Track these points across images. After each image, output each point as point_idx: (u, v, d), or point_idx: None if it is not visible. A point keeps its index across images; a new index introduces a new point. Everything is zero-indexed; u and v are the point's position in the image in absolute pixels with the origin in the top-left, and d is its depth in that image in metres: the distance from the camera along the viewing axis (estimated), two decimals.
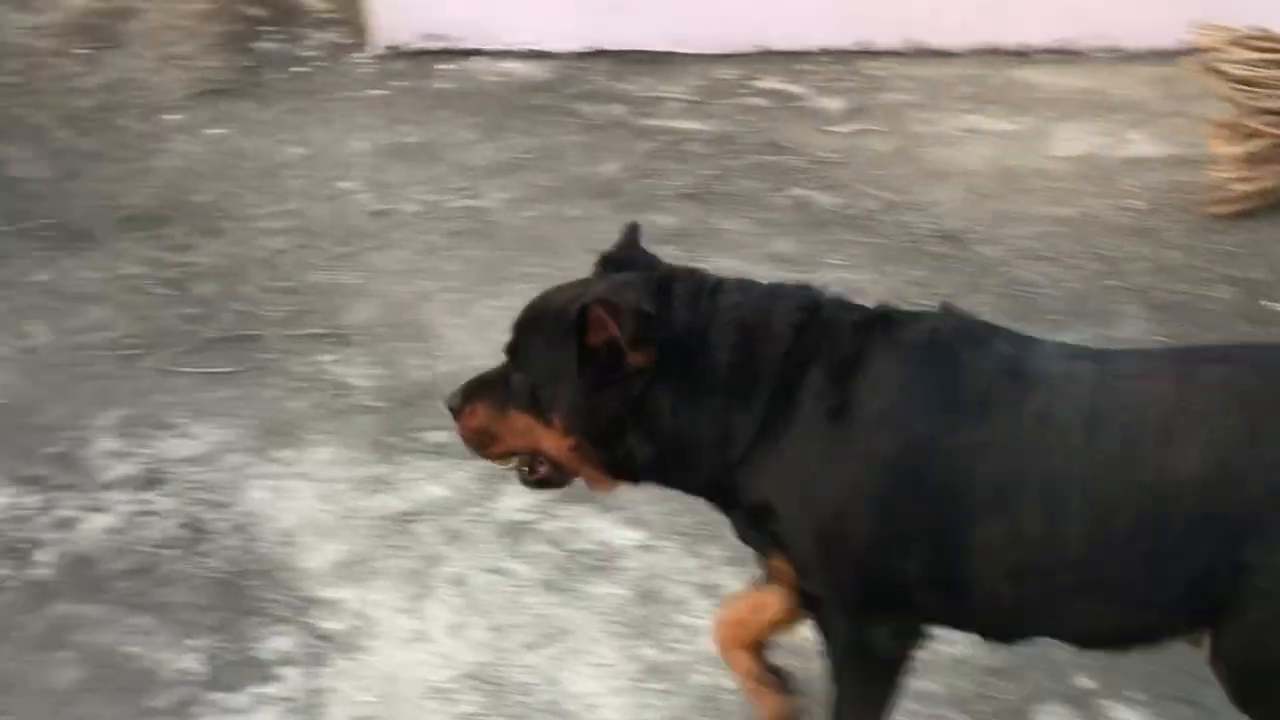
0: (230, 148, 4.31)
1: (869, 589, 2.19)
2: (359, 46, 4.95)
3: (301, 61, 4.87)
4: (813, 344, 2.15)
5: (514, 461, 2.30)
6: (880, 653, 2.24)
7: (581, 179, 4.16)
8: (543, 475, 2.30)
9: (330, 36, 5.03)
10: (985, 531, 2.07)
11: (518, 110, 4.58)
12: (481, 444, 2.30)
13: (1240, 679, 2.08)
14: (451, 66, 4.85)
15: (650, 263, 2.29)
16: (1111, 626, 2.15)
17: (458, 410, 2.30)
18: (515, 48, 4.92)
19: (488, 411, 2.27)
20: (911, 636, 2.23)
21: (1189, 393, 2.05)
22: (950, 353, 2.13)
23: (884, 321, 2.17)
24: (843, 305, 2.22)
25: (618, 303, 2.11)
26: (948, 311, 2.22)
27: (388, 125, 4.46)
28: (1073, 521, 2.05)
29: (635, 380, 2.14)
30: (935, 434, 2.08)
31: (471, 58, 4.89)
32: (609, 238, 2.26)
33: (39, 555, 2.80)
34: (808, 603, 2.25)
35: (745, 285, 2.24)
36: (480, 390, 2.29)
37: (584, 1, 4.89)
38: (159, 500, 2.93)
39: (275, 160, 4.24)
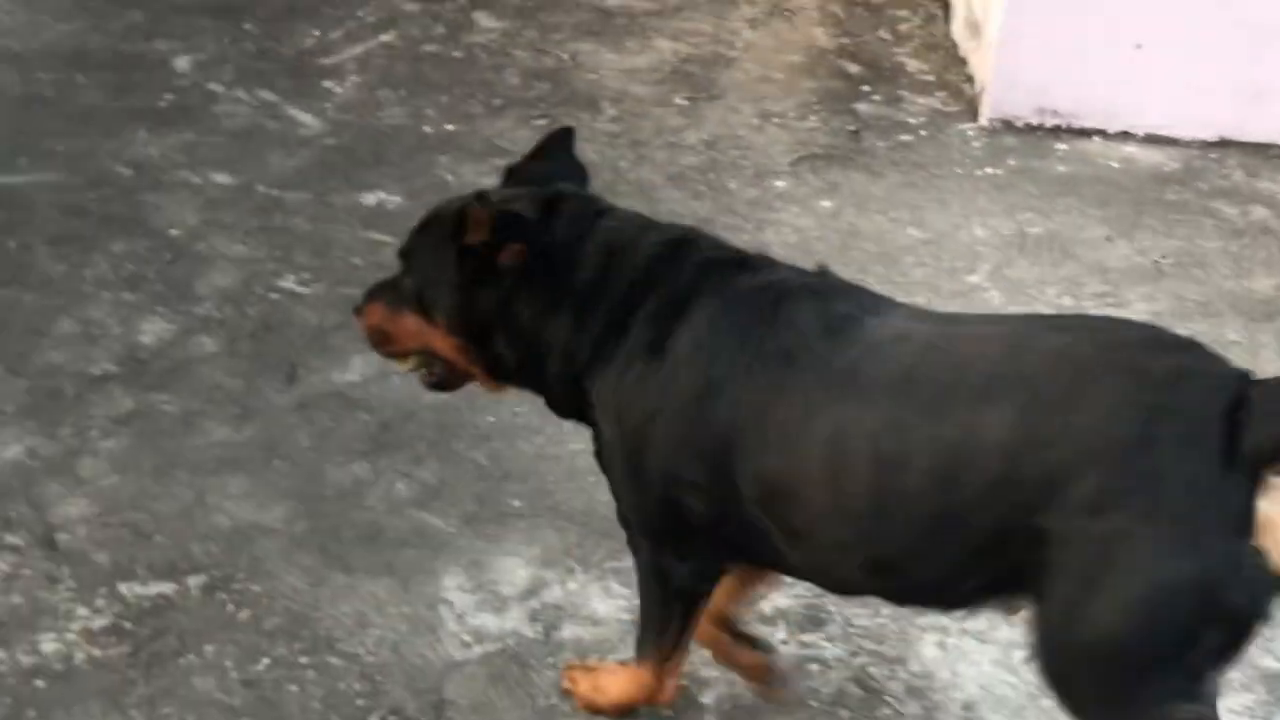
0: (845, 224, 4.08)
1: (665, 523, 2.31)
2: (965, 116, 4.66)
3: (905, 129, 4.61)
4: (660, 277, 2.27)
5: (411, 362, 2.50)
6: (676, 583, 2.36)
7: (1233, 294, 3.77)
8: (438, 377, 2.49)
9: (933, 102, 4.76)
10: (768, 476, 2.16)
11: (1148, 205, 4.21)
12: (379, 342, 2.49)
13: (1044, 658, 2.04)
14: (1066, 147, 4.51)
15: (577, 176, 2.47)
16: (904, 584, 2.17)
17: (358, 310, 2.50)
18: (1137, 131, 4.54)
19: (383, 311, 2.45)
20: (708, 575, 2.36)
21: (1019, 357, 2.05)
22: (773, 305, 2.21)
23: (732, 268, 2.27)
24: (713, 246, 2.34)
25: (494, 203, 2.29)
26: (818, 271, 2.31)
27: (1007, 211, 4.16)
28: (859, 475, 2.08)
29: (504, 281, 2.30)
30: (731, 378, 2.17)
31: (1088, 138, 4.54)
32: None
33: None
34: (622, 522, 2.39)
35: (633, 216, 2.39)
36: (378, 292, 2.48)
37: (1223, 86, 4.47)
38: (826, 647, 2.71)
39: (895, 244, 3.99)
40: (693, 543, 2.33)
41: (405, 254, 2.45)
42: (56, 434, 3.11)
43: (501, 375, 2.44)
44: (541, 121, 4.41)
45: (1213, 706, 2.01)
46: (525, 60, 4.92)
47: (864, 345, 2.15)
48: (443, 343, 2.42)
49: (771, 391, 2.16)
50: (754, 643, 2.58)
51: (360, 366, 3.32)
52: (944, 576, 2.13)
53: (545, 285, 2.33)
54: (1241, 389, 1.95)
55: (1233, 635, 1.99)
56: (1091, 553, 1.96)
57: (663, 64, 4.98)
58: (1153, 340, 2.07)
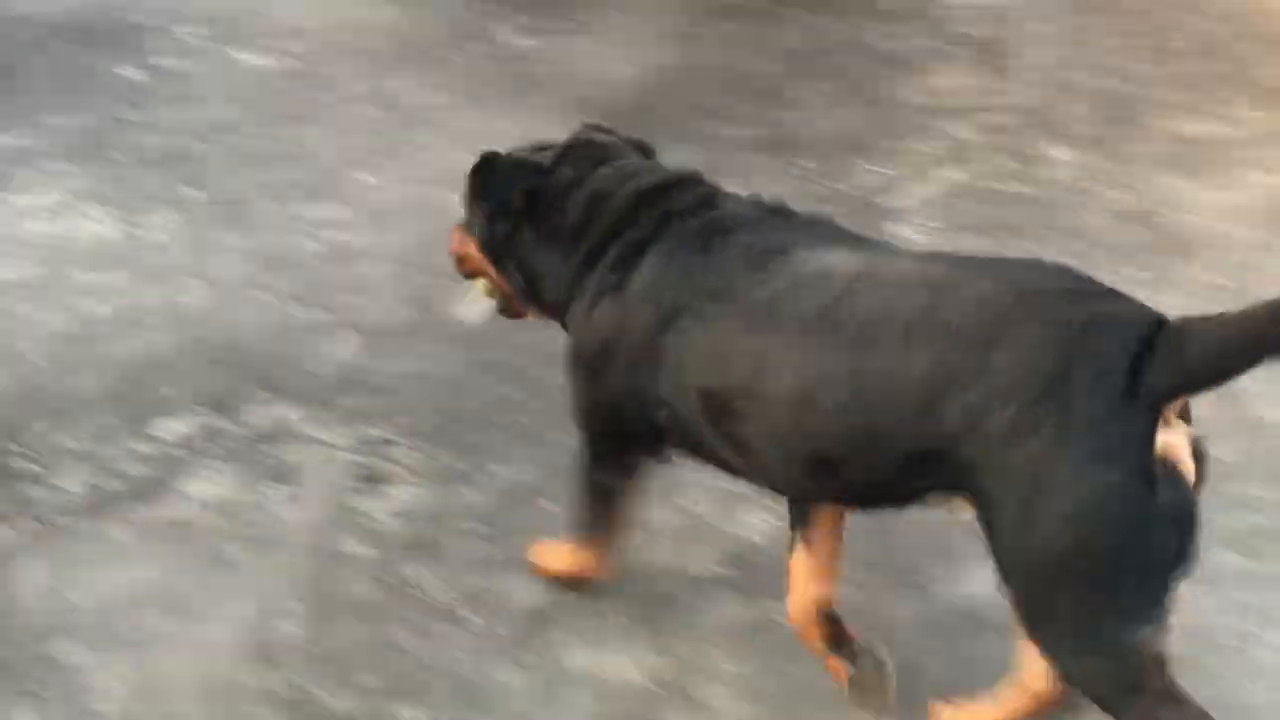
0: None
1: (605, 428, 2.72)
2: None
3: None
4: (628, 223, 2.64)
5: (483, 286, 2.94)
6: (606, 482, 2.79)
7: None
8: (501, 302, 2.96)
9: None
10: (708, 396, 2.47)
11: None
12: (458, 263, 2.98)
13: (1006, 582, 2.24)
14: None
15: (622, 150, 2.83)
16: (843, 490, 2.43)
17: (451, 233, 2.98)
18: None
19: (461, 238, 2.94)
20: (628, 474, 2.77)
21: (940, 304, 2.25)
22: (706, 243, 2.53)
23: (689, 213, 2.61)
24: (682, 192, 2.67)
25: (501, 154, 2.82)
26: (772, 206, 2.62)
27: None
28: (782, 403, 2.37)
29: (512, 218, 2.77)
30: (674, 312, 2.51)
31: None
32: None
33: None
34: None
35: (630, 165, 2.76)
36: (461, 224, 2.94)
37: None
38: None
39: None
40: (623, 446, 2.75)
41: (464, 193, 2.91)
42: (671, 648, 2.88)
43: (524, 299, 2.87)
44: (1144, 274, 4.00)
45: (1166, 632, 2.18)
46: (1108, 198, 4.51)
47: (786, 280, 2.42)
48: (486, 266, 2.89)
49: (705, 324, 2.48)
50: (849, 648, 2.69)
51: (983, 577, 2.94)
52: (878, 484, 2.37)
53: (542, 223, 2.76)
54: (1147, 335, 2.14)
55: (1178, 533, 2.15)
56: (1017, 478, 2.16)
57: (1261, 201, 4.49)
58: (1070, 289, 2.24)
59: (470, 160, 2.86)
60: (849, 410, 2.31)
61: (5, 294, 3.93)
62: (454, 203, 3.04)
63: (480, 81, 5.07)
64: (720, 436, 2.52)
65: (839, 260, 2.43)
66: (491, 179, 2.84)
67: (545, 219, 2.77)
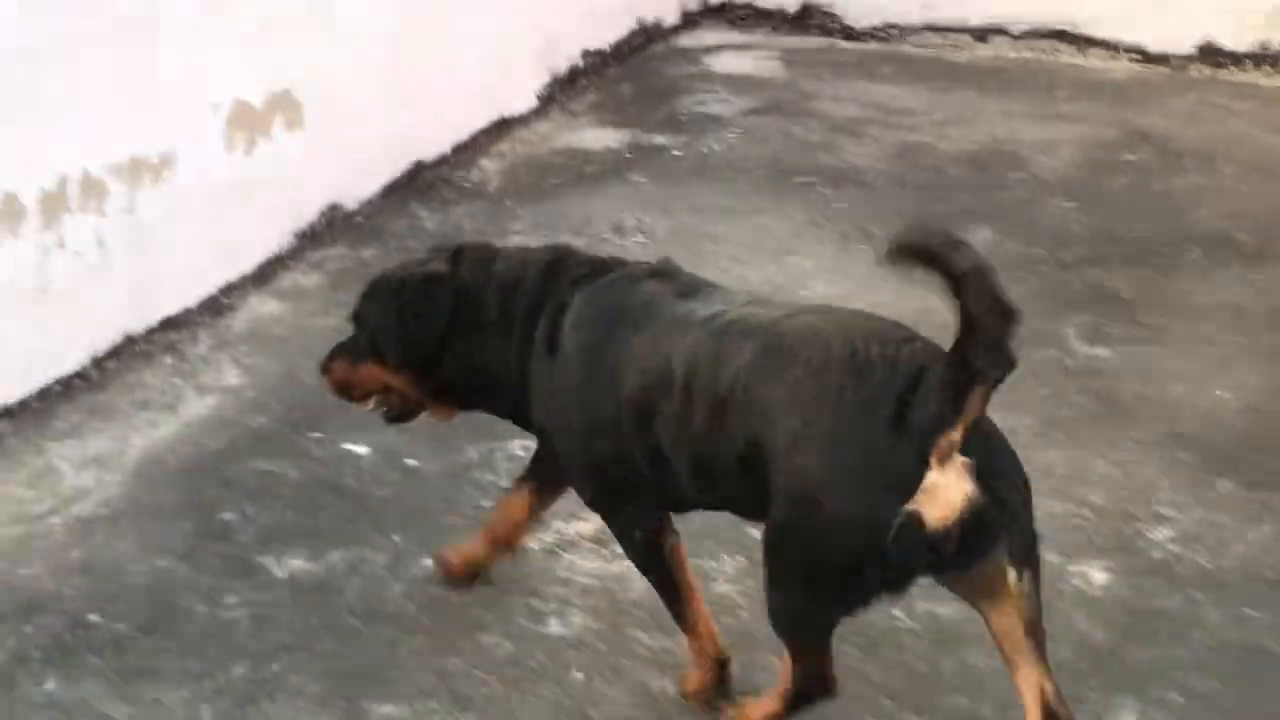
0: None
1: (601, 485, 3.17)
2: None
3: None
4: (547, 293, 3.17)
5: (373, 403, 3.46)
6: (640, 538, 3.18)
7: None
8: (396, 410, 3.48)
9: None
10: (635, 401, 2.99)
11: None
12: (345, 392, 3.48)
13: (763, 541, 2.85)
14: None
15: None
16: (717, 498, 3.02)
17: (324, 369, 3.48)
18: None
19: (344, 366, 3.43)
20: (653, 523, 3.16)
21: (781, 328, 2.84)
22: (626, 286, 3.11)
23: (594, 274, 3.16)
24: (579, 263, 3.24)
25: (396, 275, 3.37)
26: (660, 265, 3.21)
27: None
28: (676, 387, 2.91)
29: (441, 327, 3.25)
30: (598, 343, 3.06)
31: None
32: None
33: None
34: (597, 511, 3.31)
35: (516, 252, 3.37)
36: (338, 352, 3.45)
37: None
38: None
39: None
40: (623, 495, 3.12)
41: (356, 317, 3.41)
42: None
43: (449, 400, 3.37)
44: None
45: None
46: None
47: (661, 327, 2.99)
48: (397, 380, 3.32)
49: (632, 337, 3.00)
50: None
51: None
52: (734, 491, 2.93)
53: (467, 322, 3.20)
54: (916, 376, 2.60)
55: (892, 578, 2.72)
56: (787, 484, 2.72)
57: None
58: (875, 332, 2.75)
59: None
60: (700, 387, 2.89)
61: None
62: None
63: (1057, 401, 4.58)
64: (648, 446, 3.01)
65: (688, 312, 3.01)
66: (409, 298, 3.27)
67: (467, 317, 3.22)
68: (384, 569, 3.91)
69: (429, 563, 3.90)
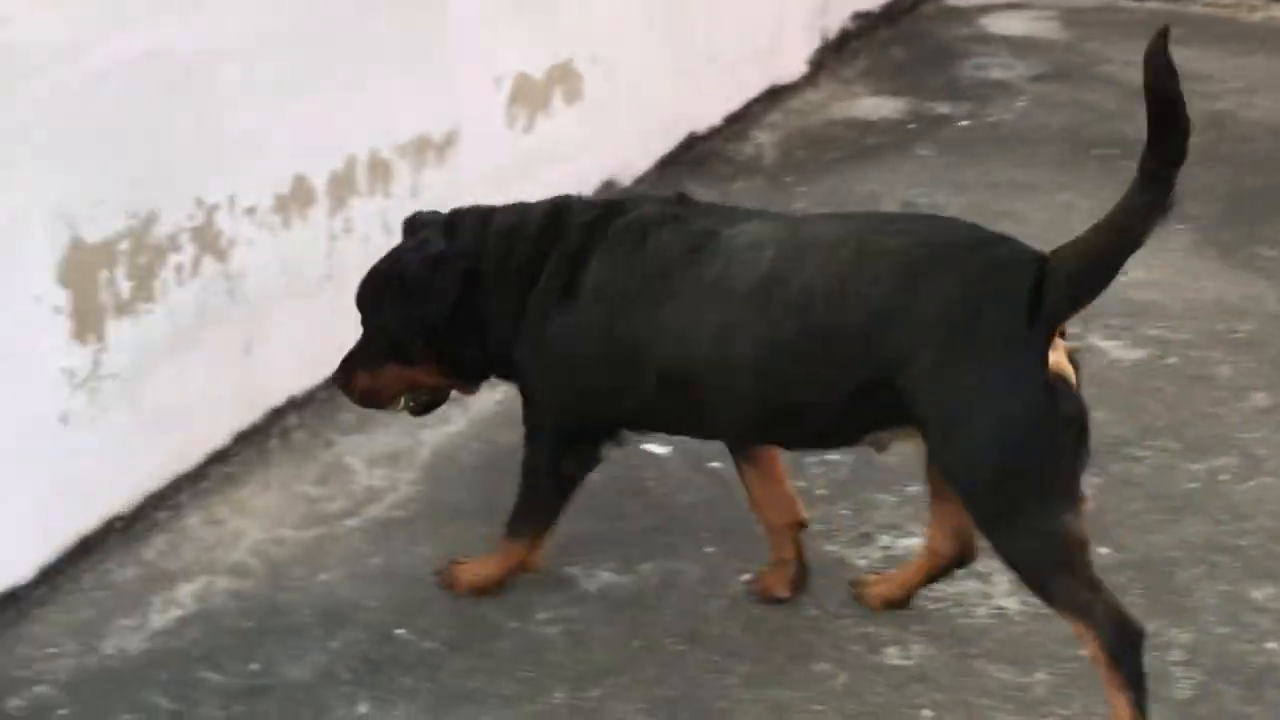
0: None
1: (573, 426, 3.23)
2: None
3: None
4: (554, 239, 3.11)
5: (401, 402, 3.36)
6: (570, 473, 3.32)
7: None
8: (423, 403, 3.42)
9: None
10: (668, 374, 2.99)
11: None
12: (373, 402, 3.38)
13: (950, 482, 2.90)
14: None
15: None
16: (791, 436, 3.10)
17: (344, 384, 3.38)
18: None
19: (366, 376, 3.31)
20: (591, 464, 3.31)
21: (864, 260, 2.82)
22: (642, 236, 3.03)
23: (605, 216, 3.11)
24: (585, 205, 3.20)
25: (391, 266, 3.27)
26: (679, 199, 3.17)
27: None
28: (743, 364, 2.90)
29: (453, 306, 3.16)
30: (627, 300, 3.01)
31: None
32: None
33: None
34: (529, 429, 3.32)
35: (513, 206, 3.27)
36: (351, 364, 3.34)
37: None
38: None
39: None
40: (587, 439, 3.25)
41: (365, 321, 3.32)
42: None
43: (475, 375, 3.37)
44: None
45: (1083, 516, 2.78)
46: None
47: (725, 257, 2.93)
48: (423, 372, 3.29)
49: (657, 308, 2.98)
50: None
51: None
52: (829, 428, 2.97)
53: (478, 288, 3.18)
54: (1036, 271, 2.71)
55: (1077, 435, 2.77)
56: (947, 405, 2.77)
57: None
58: (972, 239, 2.84)
59: None
60: (801, 366, 2.85)
61: None
62: None
63: None
64: (679, 409, 3.06)
65: (764, 231, 2.95)
66: (418, 287, 3.17)
67: (476, 283, 3.17)
68: (699, 583, 3.65)
69: (746, 578, 3.62)
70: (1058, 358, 2.74)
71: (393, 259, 3.29)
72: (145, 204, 3.71)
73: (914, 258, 2.79)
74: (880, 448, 3.09)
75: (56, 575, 3.65)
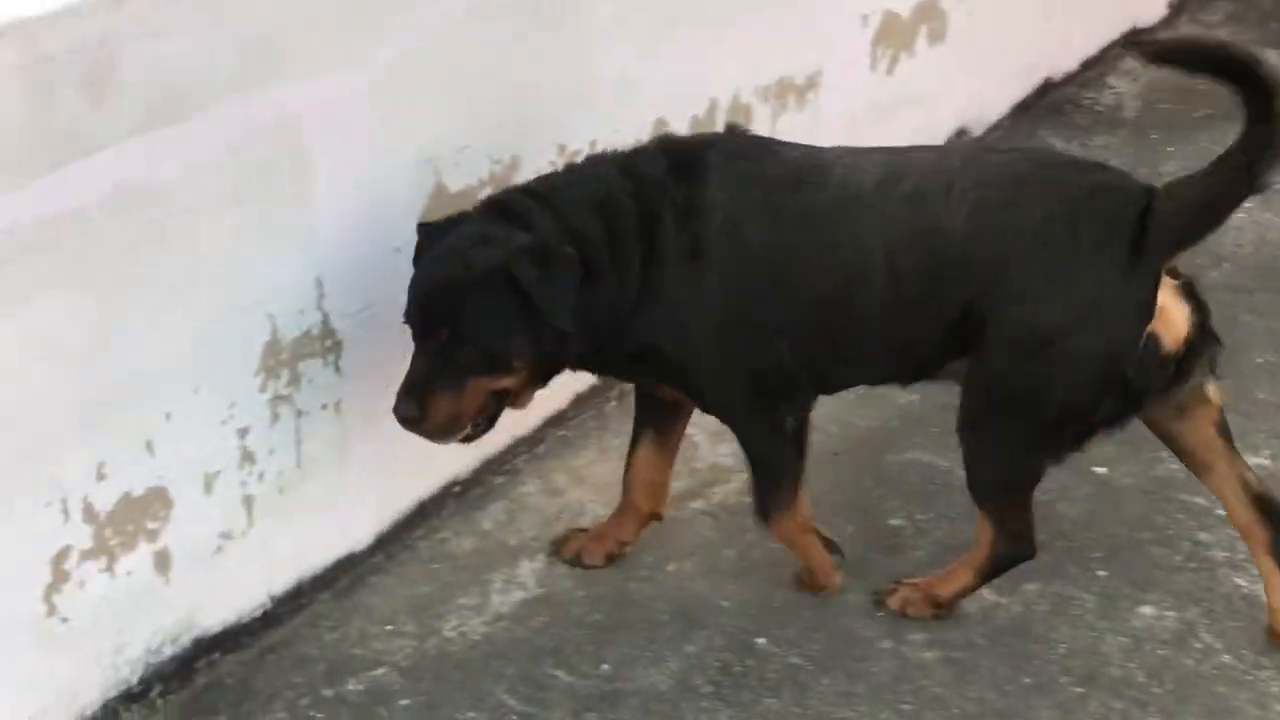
0: None
1: (766, 381, 2.92)
2: None
3: None
4: (652, 201, 2.83)
5: (468, 430, 2.83)
6: (791, 428, 2.99)
7: None
8: (488, 420, 2.88)
9: None
10: (817, 295, 2.85)
11: None
12: (454, 429, 2.82)
13: (972, 411, 2.88)
14: None
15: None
16: (897, 365, 2.97)
17: (418, 416, 2.78)
18: None
19: (446, 398, 2.77)
20: (806, 410, 3.00)
21: (971, 168, 2.81)
22: (754, 166, 2.87)
23: (682, 164, 2.86)
24: (646, 159, 2.91)
25: (496, 265, 2.74)
26: (731, 132, 3.15)
27: None
28: (876, 268, 2.79)
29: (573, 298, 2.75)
30: (761, 234, 2.81)
31: None
32: None
33: None
34: (727, 412, 3.05)
35: (563, 178, 2.96)
36: (425, 386, 2.78)
37: None
38: None
39: None
40: (789, 388, 2.94)
41: (440, 335, 2.77)
42: None
43: (554, 372, 2.91)
44: None
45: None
46: None
47: (840, 169, 2.87)
48: (515, 381, 2.81)
49: (796, 227, 2.83)
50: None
51: None
52: (926, 352, 2.89)
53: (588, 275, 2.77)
54: (1147, 199, 2.68)
55: (1124, 405, 2.79)
56: (1016, 332, 2.74)
57: None
58: (1075, 162, 2.98)
59: None
60: (917, 256, 2.80)
61: None
62: None
63: None
64: (828, 343, 2.91)
65: (856, 155, 2.94)
66: (536, 282, 2.73)
67: (589, 269, 2.78)
68: (1093, 614, 3.27)
69: (1147, 610, 3.23)
70: (1164, 300, 2.73)
71: (458, 259, 2.80)
72: (508, 149, 3.42)
73: (1020, 170, 2.81)
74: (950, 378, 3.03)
75: (393, 543, 3.42)
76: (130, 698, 2.94)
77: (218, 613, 3.07)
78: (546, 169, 3.47)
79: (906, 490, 3.63)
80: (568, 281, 2.78)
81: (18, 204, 2.47)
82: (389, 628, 3.24)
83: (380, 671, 3.12)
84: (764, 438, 3.04)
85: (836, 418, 3.87)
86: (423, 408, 2.78)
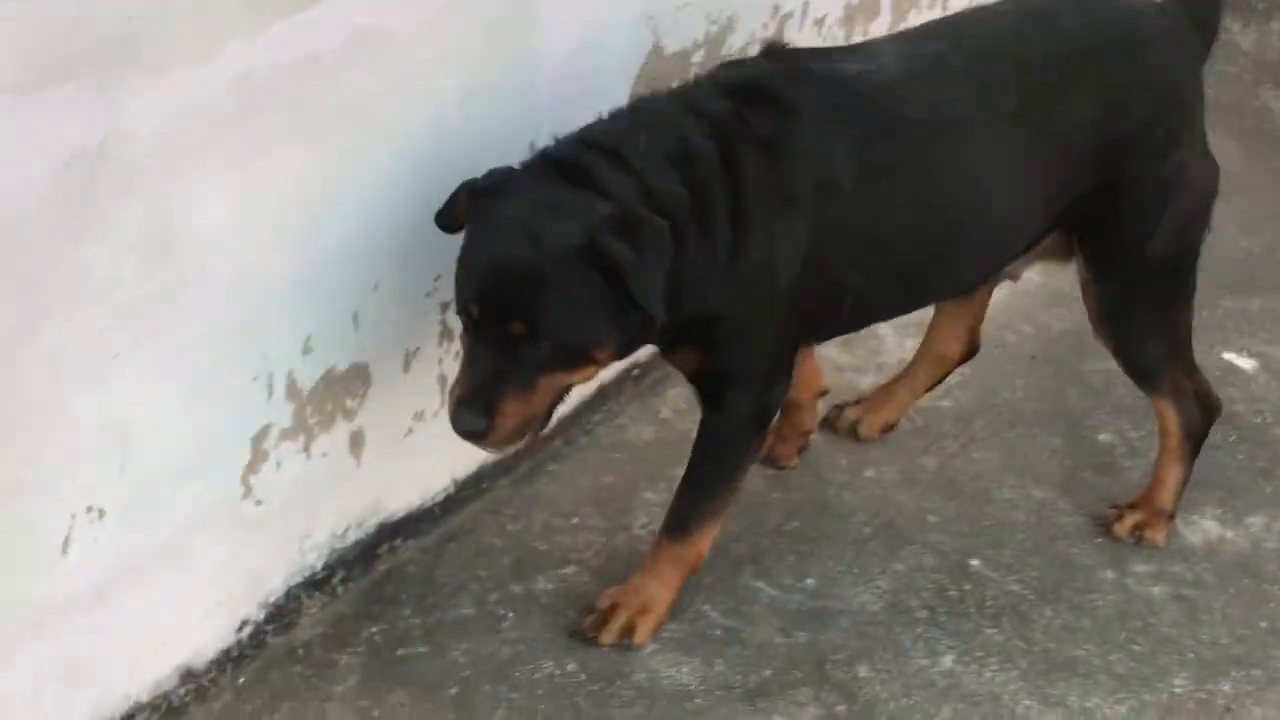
0: None
1: (781, 349, 2.57)
2: None
3: None
4: (734, 144, 2.38)
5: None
6: (773, 410, 2.64)
7: None
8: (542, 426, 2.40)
9: None
10: (936, 211, 2.56)
11: None
12: (519, 439, 2.35)
13: (1106, 290, 2.79)
14: None
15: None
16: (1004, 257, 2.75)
17: (485, 427, 2.29)
18: None
19: (518, 401, 2.28)
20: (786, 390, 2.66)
21: (1067, 41, 2.63)
22: (820, 104, 2.44)
23: (757, 94, 2.43)
24: (705, 95, 2.45)
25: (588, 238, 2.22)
26: (768, 50, 2.59)
27: None
28: (991, 189, 2.59)
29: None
30: (851, 157, 2.45)
31: None
32: None
33: None
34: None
35: (617, 133, 2.38)
36: (495, 389, 2.27)
37: None
38: None
39: None
40: (791, 366, 2.62)
41: (523, 324, 2.26)
42: None
43: (631, 353, 2.47)
44: None
45: None
46: None
47: (909, 86, 2.51)
48: (593, 371, 2.37)
49: (884, 144, 2.49)
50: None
51: None
52: (1031, 236, 2.72)
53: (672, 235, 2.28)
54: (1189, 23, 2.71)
55: None
56: (1159, 187, 2.69)
57: None
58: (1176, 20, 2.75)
59: None
60: (1045, 169, 2.63)
61: None
62: None
63: None
64: (929, 259, 2.64)
65: (926, 44, 2.64)
66: (635, 263, 2.23)
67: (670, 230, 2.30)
68: None
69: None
70: None
71: (543, 241, 2.27)
72: (726, 9, 3.13)
73: (1139, 35, 2.74)
74: (1016, 275, 3.03)
75: (572, 428, 3.19)
76: (313, 584, 2.73)
77: (403, 497, 2.86)
78: (759, 31, 3.22)
79: (1114, 403, 3.40)
80: (660, 258, 2.28)
81: (255, 49, 2.18)
82: (574, 520, 3.02)
83: (570, 570, 2.91)
84: (745, 423, 2.62)
85: (1030, 316, 3.64)
86: (489, 416, 2.31)
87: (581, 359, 2.35)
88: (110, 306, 2.16)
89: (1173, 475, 2.97)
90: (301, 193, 2.38)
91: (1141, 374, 2.89)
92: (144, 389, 2.26)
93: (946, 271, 2.73)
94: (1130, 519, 2.99)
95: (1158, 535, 2.97)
